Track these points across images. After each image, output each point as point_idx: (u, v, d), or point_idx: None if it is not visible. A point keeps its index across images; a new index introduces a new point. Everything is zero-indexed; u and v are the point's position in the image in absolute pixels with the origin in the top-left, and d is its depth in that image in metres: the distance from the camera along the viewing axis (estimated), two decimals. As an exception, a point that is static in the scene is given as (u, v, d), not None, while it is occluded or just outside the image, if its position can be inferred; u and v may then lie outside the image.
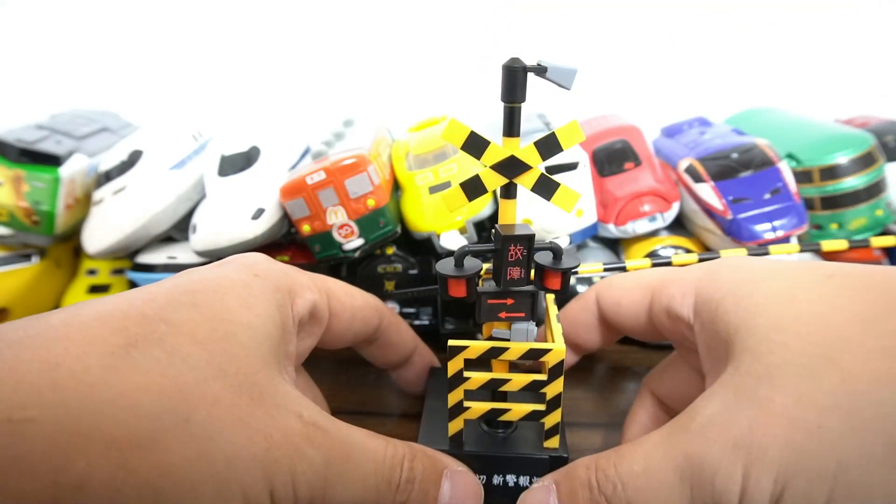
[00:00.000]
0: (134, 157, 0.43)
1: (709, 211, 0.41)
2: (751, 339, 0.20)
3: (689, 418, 0.20)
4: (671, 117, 0.51)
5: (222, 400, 0.19)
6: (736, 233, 0.39)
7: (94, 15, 0.65)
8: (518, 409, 0.26)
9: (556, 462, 0.26)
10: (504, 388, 0.25)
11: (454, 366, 0.25)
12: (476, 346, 0.24)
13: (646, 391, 0.31)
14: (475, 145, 0.22)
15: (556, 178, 0.23)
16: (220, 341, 0.20)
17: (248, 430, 0.19)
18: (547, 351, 0.24)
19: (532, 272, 0.24)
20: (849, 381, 0.18)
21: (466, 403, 0.26)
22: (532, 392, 0.25)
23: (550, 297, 0.28)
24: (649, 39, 0.63)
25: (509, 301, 0.25)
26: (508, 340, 0.25)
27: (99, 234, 0.41)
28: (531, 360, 0.25)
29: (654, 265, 0.36)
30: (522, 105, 0.22)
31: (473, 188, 0.23)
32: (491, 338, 0.26)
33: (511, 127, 0.22)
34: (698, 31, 0.63)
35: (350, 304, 0.28)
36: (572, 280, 0.41)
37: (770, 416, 0.18)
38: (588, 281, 0.41)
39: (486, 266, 0.26)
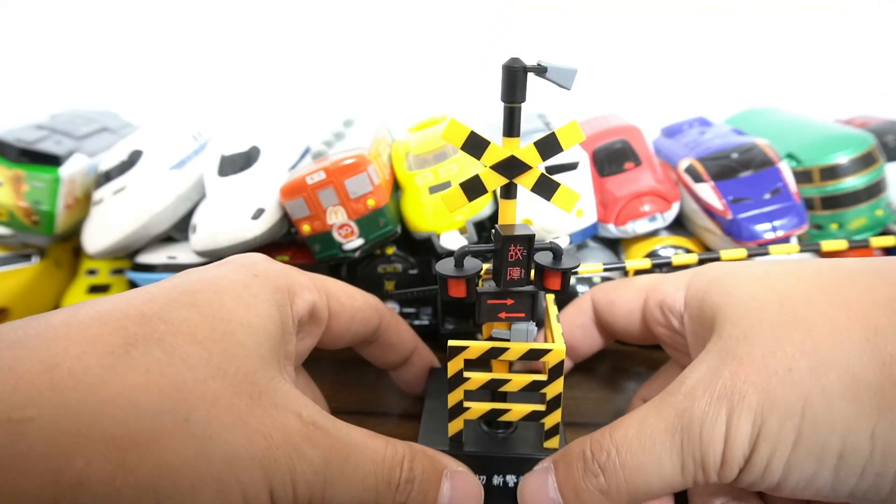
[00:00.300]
0: (134, 157, 0.43)
1: (709, 211, 0.41)
2: (730, 309, 0.23)
3: (679, 384, 0.22)
4: (671, 117, 0.51)
5: (221, 399, 0.19)
6: (736, 233, 0.39)
7: (94, 15, 0.65)
8: (518, 410, 0.26)
9: (556, 462, 0.26)
10: (504, 389, 0.25)
11: (454, 366, 0.24)
12: (476, 347, 0.24)
13: (637, 400, 0.32)
14: (475, 145, 0.22)
15: (556, 178, 0.23)
16: (220, 341, 0.20)
17: (248, 429, 0.19)
18: (547, 351, 0.24)
19: (532, 272, 0.24)
20: (814, 332, 0.20)
21: (466, 404, 0.26)
22: (532, 392, 0.25)
23: (550, 298, 0.28)
24: (649, 39, 0.63)
25: (509, 301, 0.25)
26: (508, 341, 0.25)
27: (99, 234, 0.41)
28: (531, 360, 0.25)
29: (655, 265, 0.37)
30: (522, 105, 0.22)
31: (473, 188, 0.23)
32: (491, 338, 0.26)
33: (511, 127, 0.22)
34: (698, 31, 0.63)
35: (349, 304, 0.28)
36: (572, 280, 0.41)
37: (748, 366, 0.21)
38: (588, 281, 0.41)
39: (486, 266, 0.26)
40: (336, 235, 0.37)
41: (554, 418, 0.26)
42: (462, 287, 0.24)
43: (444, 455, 0.25)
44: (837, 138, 0.42)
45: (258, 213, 0.38)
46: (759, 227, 0.38)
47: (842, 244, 0.37)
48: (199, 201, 0.43)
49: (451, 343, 0.24)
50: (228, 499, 0.18)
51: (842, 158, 0.40)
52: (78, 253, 0.48)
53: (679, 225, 0.44)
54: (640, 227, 0.41)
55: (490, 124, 0.41)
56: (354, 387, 0.38)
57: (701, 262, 0.37)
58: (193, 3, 0.64)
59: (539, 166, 0.23)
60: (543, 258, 0.24)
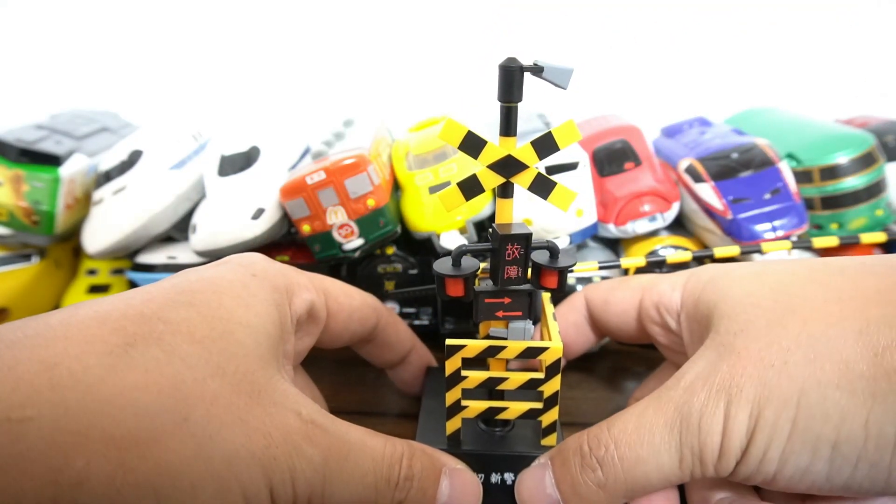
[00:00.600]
0: (134, 157, 0.43)
1: (709, 211, 0.41)
2: (726, 305, 0.24)
3: (677, 379, 0.23)
4: (671, 117, 0.51)
5: (221, 398, 0.19)
6: (736, 233, 0.39)
7: (94, 15, 0.65)
8: (515, 408, 0.26)
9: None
10: (501, 387, 0.25)
11: (452, 365, 0.25)
12: (473, 346, 0.24)
13: (633, 402, 0.32)
14: (472, 145, 0.22)
15: (556, 177, 0.23)
16: (219, 340, 0.20)
17: (247, 428, 0.19)
18: (544, 349, 0.24)
19: (529, 271, 0.24)
20: (808, 324, 0.21)
21: (464, 402, 0.26)
22: (529, 390, 0.25)
23: (547, 296, 0.28)
24: (649, 39, 0.63)
25: (506, 300, 0.25)
26: (506, 339, 0.25)
27: (99, 234, 0.41)
28: (528, 358, 0.25)
29: (650, 263, 0.37)
30: (521, 105, 0.22)
31: (470, 187, 0.23)
32: (488, 337, 0.26)
33: (508, 126, 0.22)
34: (698, 31, 0.63)
35: (348, 303, 0.28)
36: (571, 279, 0.41)
37: (745, 360, 0.21)
38: (588, 280, 0.41)
39: (483, 265, 0.26)
40: (336, 235, 0.37)
41: (551, 416, 0.26)
42: (460, 286, 0.24)
43: (443, 453, 0.25)
44: (837, 138, 0.42)
45: (258, 213, 0.38)
46: (760, 227, 0.38)
47: (833, 241, 0.37)
48: (199, 201, 0.43)
49: (448, 342, 0.24)
50: (228, 497, 0.18)
51: (842, 158, 0.40)
52: (78, 253, 0.48)
53: (679, 225, 0.44)
54: (640, 227, 0.41)
55: (489, 124, 0.41)
56: (354, 387, 0.38)
57: (695, 259, 0.38)
58: (193, 4, 0.65)
59: (536, 165, 0.23)
60: (540, 257, 0.24)
